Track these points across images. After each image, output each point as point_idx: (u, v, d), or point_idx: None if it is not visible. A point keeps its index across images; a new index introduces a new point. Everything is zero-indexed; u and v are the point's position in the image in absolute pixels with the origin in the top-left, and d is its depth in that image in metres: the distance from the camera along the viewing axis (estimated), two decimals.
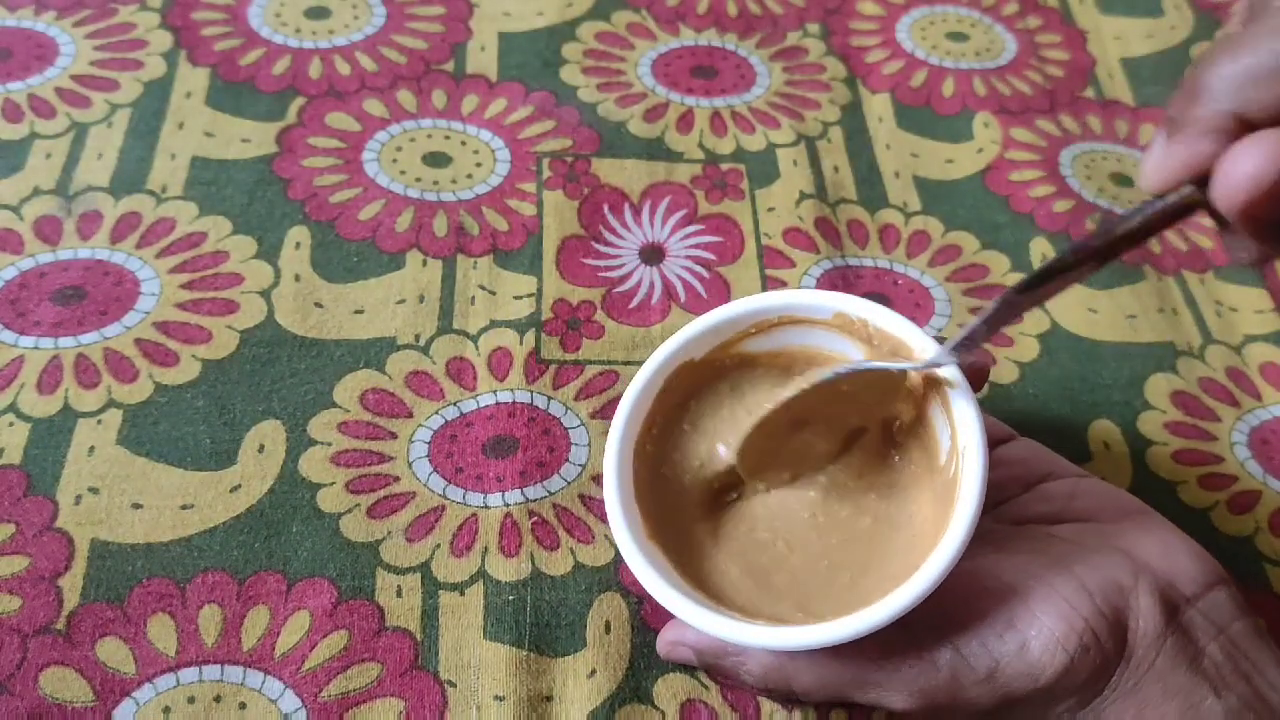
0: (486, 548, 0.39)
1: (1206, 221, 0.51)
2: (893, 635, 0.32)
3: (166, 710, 0.35)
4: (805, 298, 0.38)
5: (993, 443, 0.39)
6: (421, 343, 0.45)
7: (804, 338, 0.38)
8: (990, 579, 0.33)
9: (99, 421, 0.41)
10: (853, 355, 0.38)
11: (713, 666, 0.36)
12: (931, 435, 0.36)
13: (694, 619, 0.33)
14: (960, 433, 0.34)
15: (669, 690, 0.37)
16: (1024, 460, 0.38)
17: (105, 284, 0.45)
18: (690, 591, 0.34)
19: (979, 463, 0.33)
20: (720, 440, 0.37)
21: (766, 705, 0.37)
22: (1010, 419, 0.42)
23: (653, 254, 0.49)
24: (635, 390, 0.37)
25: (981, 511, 0.32)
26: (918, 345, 0.35)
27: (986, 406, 0.45)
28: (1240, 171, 0.27)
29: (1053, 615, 0.32)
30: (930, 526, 0.35)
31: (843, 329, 0.37)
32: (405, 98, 0.54)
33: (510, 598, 0.38)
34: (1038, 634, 0.31)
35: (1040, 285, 0.31)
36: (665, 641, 0.37)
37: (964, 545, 0.32)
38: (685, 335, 0.37)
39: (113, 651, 0.35)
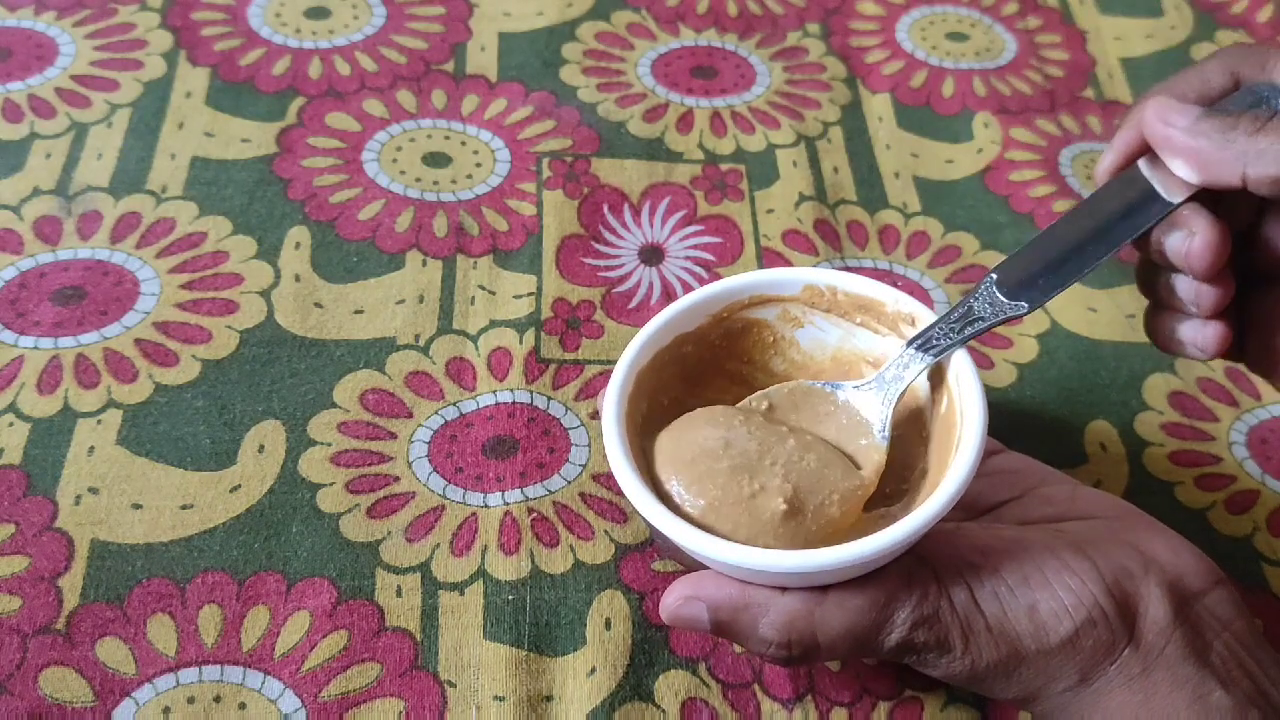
0: (486, 546, 0.39)
1: None
2: (915, 569, 0.32)
3: (166, 710, 0.35)
4: (772, 275, 0.38)
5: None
6: (421, 343, 0.45)
7: (774, 315, 0.38)
8: (1010, 544, 0.33)
9: (99, 421, 0.41)
10: (828, 330, 0.38)
11: (728, 623, 0.33)
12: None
13: (728, 554, 0.32)
14: (952, 365, 0.35)
15: (670, 688, 0.37)
16: (1016, 470, 0.39)
17: (105, 284, 0.45)
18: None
19: (975, 385, 0.34)
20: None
21: (767, 705, 0.37)
22: (1008, 420, 0.42)
23: (652, 254, 0.49)
24: (620, 373, 0.36)
25: (987, 426, 0.33)
26: (889, 300, 0.37)
27: None
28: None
29: (1063, 585, 0.32)
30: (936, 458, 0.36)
31: (812, 301, 0.38)
32: (405, 98, 0.54)
33: (510, 597, 0.38)
34: (1047, 599, 0.32)
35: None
36: (677, 597, 0.33)
37: (979, 453, 0.32)
38: (655, 325, 0.37)
39: (112, 651, 0.36)
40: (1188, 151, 0.33)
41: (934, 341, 0.35)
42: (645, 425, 0.37)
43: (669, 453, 0.35)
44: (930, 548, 0.33)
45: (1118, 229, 0.34)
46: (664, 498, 0.34)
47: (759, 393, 0.37)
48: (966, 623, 0.32)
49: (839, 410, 0.36)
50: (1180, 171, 0.33)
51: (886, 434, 0.35)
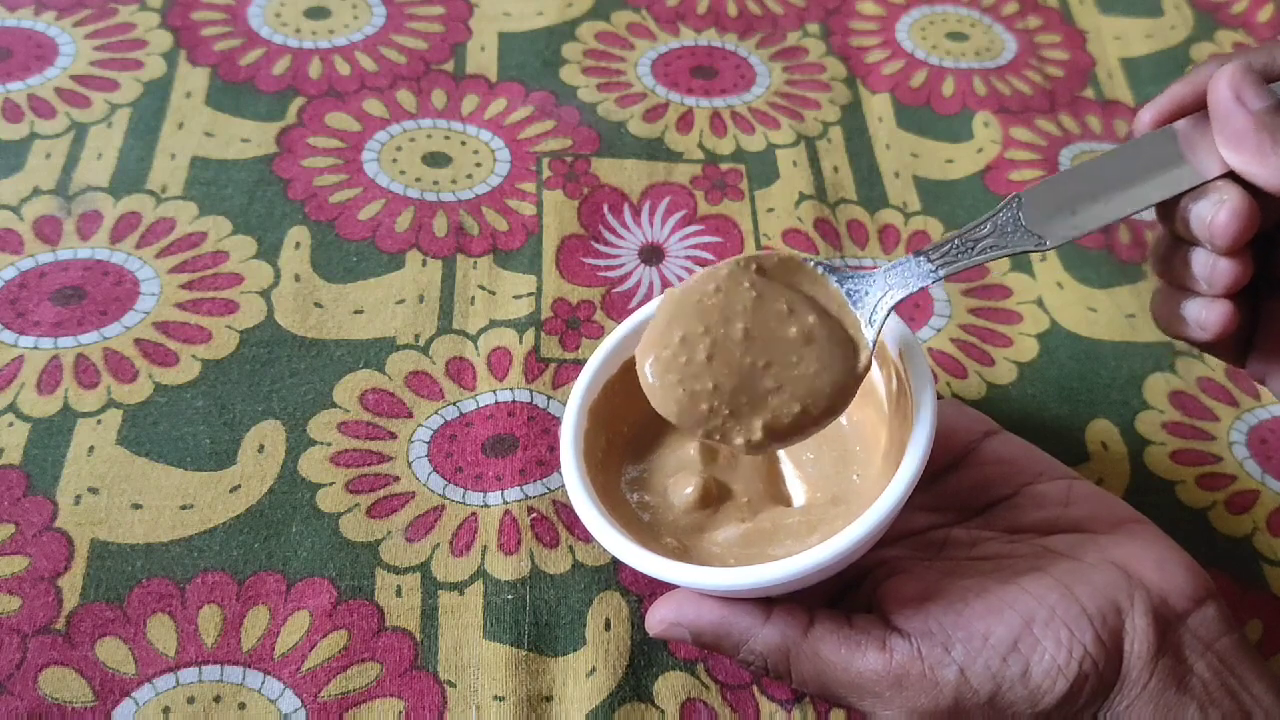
0: (486, 546, 0.39)
1: None
2: (899, 648, 0.32)
3: (166, 710, 0.35)
4: None
5: (976, 436, 0.39)
6: (421, 343, 0.45)
7: None
8: (994, 599, 0.33)
9: (99, 421, 0.41)
10: None
11: (711, 645, 0.35)
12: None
13: (693, 579, 0.33)
14: (907, 362, 0.35)
15: (669, 689, 0.37)
16: (1013, 460, 0.38)
17: (105, 284, 0.45)
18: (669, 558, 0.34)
19: (927, 379, 0.34)
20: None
21: (766, 706, 0.37)
22: (1009, 419, 0.42)
23: (652, 254, 0.49)
24: (571, 413, 0.37)
25: (936, 424, 0.33)
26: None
27: (985, 407, 0.45)
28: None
29: (1054, 641, 0.32)
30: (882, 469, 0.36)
31: None
32: (405, 98, 0.54)
33: (509, 597, 0.38)
34: (1039, 659, 0.32)
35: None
36: (660, 620, 0.35)
37: (927, 447, 0.33)
38: (599, 356, 0.38)
39: (112, 651, 0.36)
40: (1247, 139, 0.31)
41: (945, 256, 0.33)
42: (607, 459, 0.38)
43: (651, 337, 0.34)
44: (905, 614, 0.33)
45: (1149, 188, 0.33)
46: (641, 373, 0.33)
47: (747, 255, 0.35)
48: (956, 704, 0.32)
49: (829, 295, 0.35)
50: (1229, 156, 0.31)
51: (875, 337, 0.33)
